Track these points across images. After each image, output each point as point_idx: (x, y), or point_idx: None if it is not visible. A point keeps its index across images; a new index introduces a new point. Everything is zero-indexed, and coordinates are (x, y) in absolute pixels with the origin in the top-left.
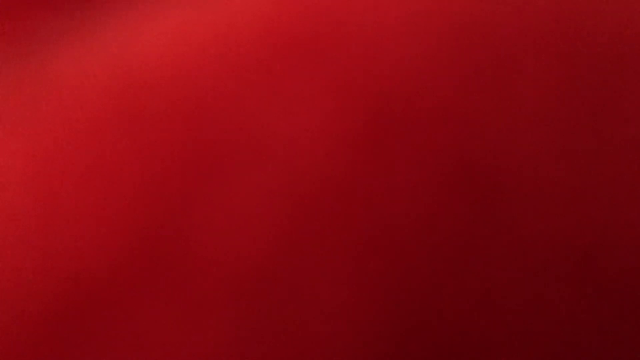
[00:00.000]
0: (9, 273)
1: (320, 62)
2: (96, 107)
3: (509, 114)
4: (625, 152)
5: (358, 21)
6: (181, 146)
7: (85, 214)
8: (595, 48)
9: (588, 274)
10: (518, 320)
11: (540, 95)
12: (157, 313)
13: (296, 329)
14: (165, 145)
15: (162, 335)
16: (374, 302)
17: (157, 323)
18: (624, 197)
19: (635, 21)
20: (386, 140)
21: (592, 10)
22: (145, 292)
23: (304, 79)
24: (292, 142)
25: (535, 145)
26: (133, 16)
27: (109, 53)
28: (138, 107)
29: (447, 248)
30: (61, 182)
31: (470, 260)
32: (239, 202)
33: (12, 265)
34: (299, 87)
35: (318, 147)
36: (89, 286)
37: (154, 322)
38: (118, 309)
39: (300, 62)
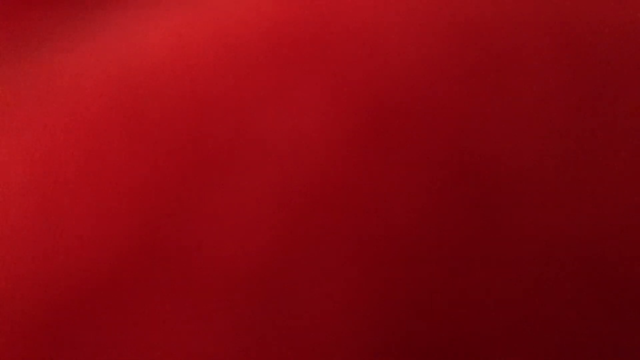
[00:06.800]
0: (9, 273)
1: (320, 62)
2: (96, 107)
3: (508, 114)
4: (624, 149)
5: (357, 21)
6: (181, 146)
7: (86, 213)
8: (595, 47)
9: (588, 272)
10: (518, 318)
11: (539, 94)
12: (158, 311)
13: (296, 327)
14: (165, 145)
15: (163, 333)
16: (374, 300)
17: (158, 321)
18: (624, 195)
19: (635, 20)
20: (386, 139)
21: (592, 9)
22: (146, 290)
23: (304, 79)
24: (292, 142)
25: (535, 144)
26: (133, 17)
27: (109, 53)
28: (138, 107)
29: (447, 246)
30: (61, 182)
31: (470, 258)
32: (239, 200)
33: (13, 264)
34: (299, 87)
35: (318, 146)
36: (90, 286)
37: (155, 321)
38: (119, 308)
39: (300, 62)
